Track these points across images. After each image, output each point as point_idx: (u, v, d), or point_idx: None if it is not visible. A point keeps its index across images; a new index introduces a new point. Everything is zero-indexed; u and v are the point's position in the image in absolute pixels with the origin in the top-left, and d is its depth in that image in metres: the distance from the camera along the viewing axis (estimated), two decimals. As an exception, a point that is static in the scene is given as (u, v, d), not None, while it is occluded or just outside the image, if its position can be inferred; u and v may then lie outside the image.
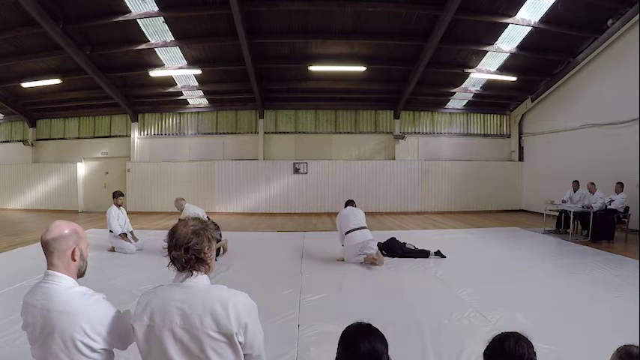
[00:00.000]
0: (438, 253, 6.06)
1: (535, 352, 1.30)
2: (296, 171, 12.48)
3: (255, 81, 10.82)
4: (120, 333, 1.44)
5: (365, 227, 5.80)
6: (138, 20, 8.63)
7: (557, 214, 8.72)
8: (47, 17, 7.95)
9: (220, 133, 13.01)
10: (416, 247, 6.30)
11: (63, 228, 1.45)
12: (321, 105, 12.86)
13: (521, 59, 10.46)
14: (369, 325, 1.39)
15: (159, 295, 1.37)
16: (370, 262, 5.55)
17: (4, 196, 13.18)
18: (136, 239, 6.71)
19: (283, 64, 10.74)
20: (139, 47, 9.49)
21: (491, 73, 11.02)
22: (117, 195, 6.89)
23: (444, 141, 13.25)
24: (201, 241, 1.37)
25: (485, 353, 1.36)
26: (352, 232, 5.71)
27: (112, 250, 6.48)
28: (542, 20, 8.77)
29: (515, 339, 1.30)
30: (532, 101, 12.23)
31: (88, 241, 1.55)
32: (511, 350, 1.27)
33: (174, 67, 10.61)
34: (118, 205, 6.79)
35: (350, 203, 6.27)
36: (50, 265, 1.43)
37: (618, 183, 7.81)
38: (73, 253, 1.44)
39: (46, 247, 1.43)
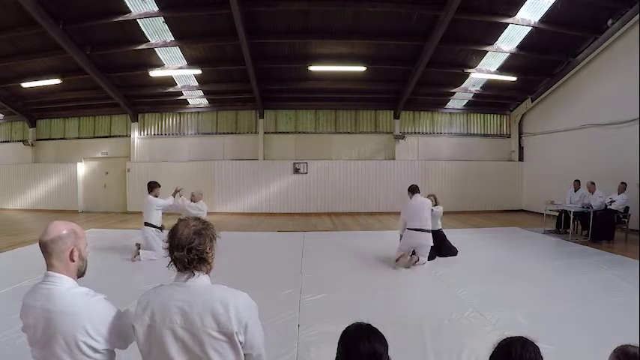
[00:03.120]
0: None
1: (542, 357, 1.27)
2: (296, 171, 12.48)
3: (255, 81, 10.82)
4: (121, 332, 1.44)
5: (427, 230, 5.55)
6: (138, 20, 8.62)
7: (557, 214, 8.73)
8: (47, 17, 7.95)
9: (220, 133, 13.01)
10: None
11: (61, 228, 1.44)
12: (321, 105, 12.85)
13: (521, 59, 10.46)
14: (369, 326, 1.39)
15: (159, 295, 1.37)
16: (406, 262, 5.49)
17: (4, 196, 13.18)
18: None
19: (283, 64, 10.73)
20: (139, 47, 9.49)
21: (491, 73, 11.02)
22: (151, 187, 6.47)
23: (444, 141, 13.25)
24: (204, 241, 1.37)
25: (490, 359, 1.34)
26: (413, 232, 5.52)
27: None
28: (542, 20, 8.77)
29: (522, 344, 1.27)
30: (532, 101, 12.23)
31: (87, 240, 1.53)
32: (518, 355, 1.24)
33: (174, 67, 10.61)
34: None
35: (415, 190, 5.79)
36: (50, 266, 1.43)
37: (622, 183, 7.80)
38: (71, 253, 1.43)
39: (45, 249, 1.42)
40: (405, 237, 5.60)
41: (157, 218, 6.29)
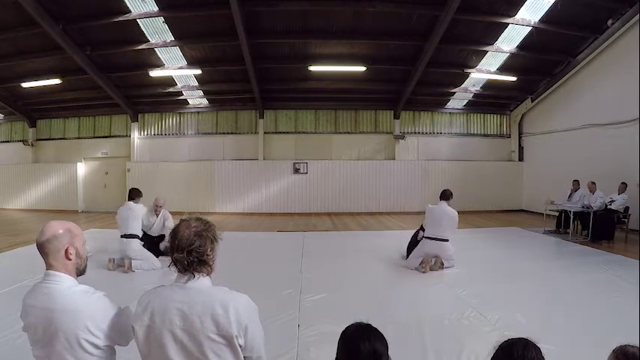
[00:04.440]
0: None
1: (544, 358, 1.27)
2: (296, 171, 12.48)
3: (255, 81, 10.82)
4: (122, 329, 1.45)
5: (443, 239, 5.38)
6: (138, 20, 8.62)
7: (557, 214, 8.73)
8: (47, 17, 7.95)
9: (220, 133, 13.01)
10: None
11: (56, 228, 1.44)
12: (321, 105, 12.85)
13: (521, 59, 10.46)
14: (369, 325, 1.39)
15: (159, 296, 1.37)
16: (425, 267, 5.33)
17: (4, 196, 13.17)
18: None
19: (283, 64, 10.73)
20: (139, 47, 9.49)
21: (491, 73, 11.02)
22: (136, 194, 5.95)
23: (444, 141, 13.25)
24: (204, 242, 1.36)
25: None
26: (428, 240, 5.41)
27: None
28: (542, 20, 8.77)
29: (524, 345, 1.27)
30: (532, 101, 12.23)
31: (85, 239, 1.53)
32: (520, 356, 1.24)
33: (174, 67, 10.61)
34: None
35: (443, 196, 5.57)
36: (48, 266, 1.43)
37: (622, 183, 7.80)
38: (66, 252, 1.43)
39: (41, 250, 1.43)
40: (420, 244, 5.49)
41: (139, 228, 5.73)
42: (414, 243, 5.87)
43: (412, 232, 6.53)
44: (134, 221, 5.54)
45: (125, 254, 5.36)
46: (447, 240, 5.42)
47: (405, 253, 5.95)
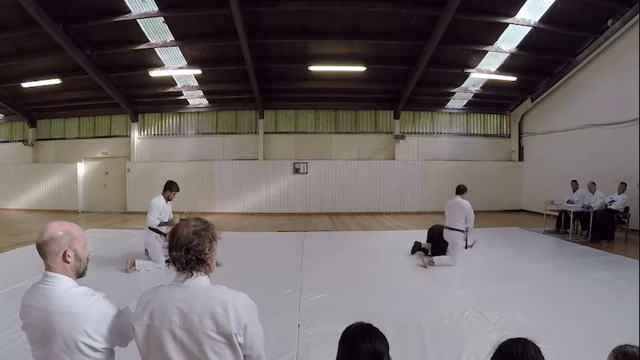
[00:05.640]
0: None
1: (543, 357, 1.28)
2: (296, 171, 12.48)
3: (255, 81, 10.82)
4: (120, 330, 1.44)
5: (449, 227, 5.83)
6: (138, 20, 8.62)
7: (557, 214, 8.73)
8: (47, 17, 7.95)
9: (220, 133, 13.01)
10: None
11: (55, 230, 1.43)
12: (321, 105, 12.85)
13: (521, 59, 10.46)
14: (370, 325, 1.39)
15: (159, 295, 1.37)
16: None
17: (4, 196, 13.17)
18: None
19: (283, 64, 10.73)
20: (139, 47, 9.49)
21: (491, 73, 11.02)
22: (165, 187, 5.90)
23: (444, 141, 13.25)
24: (203, 241, 1.37)
25: None
26: (444, 229, 5.96)
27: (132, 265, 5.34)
28: (542, 20, 8.77)
29: (523, 344, 1.28)
30: (532, 101, 12.23)
31: (86, 240, 1.52)
32: (519, 356, 1.24)
33: (174, 67, 10.61)
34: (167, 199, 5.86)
35: (457, 190, 6.09)
36: (47, 267, 1.43)
37: (622, 183, 7.80)
38: (64, 254, 1.42)
39: (40, 250, 1.42)
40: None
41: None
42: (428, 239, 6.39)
43: (412, 232, 6.59)
44: (149, 214, 5.63)
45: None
46: (459, 230, 5.73)
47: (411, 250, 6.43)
